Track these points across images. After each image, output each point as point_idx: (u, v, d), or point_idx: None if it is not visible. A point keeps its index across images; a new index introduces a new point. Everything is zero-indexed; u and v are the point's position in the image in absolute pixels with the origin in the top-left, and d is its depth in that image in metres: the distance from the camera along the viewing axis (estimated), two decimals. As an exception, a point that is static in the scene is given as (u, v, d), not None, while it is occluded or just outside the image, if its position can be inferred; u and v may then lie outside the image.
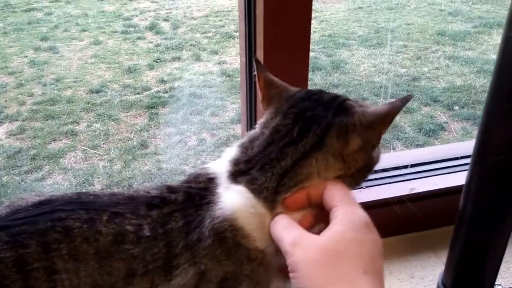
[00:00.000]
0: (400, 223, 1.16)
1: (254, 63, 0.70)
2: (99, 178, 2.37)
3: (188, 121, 2.89)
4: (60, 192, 0.62)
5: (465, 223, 0.85)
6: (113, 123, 2.85)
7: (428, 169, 1.25)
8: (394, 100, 0.60)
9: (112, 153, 2.57)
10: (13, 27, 4.09)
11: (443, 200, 1.17)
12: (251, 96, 1.03)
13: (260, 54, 0.94)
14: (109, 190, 0.63)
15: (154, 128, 2.82)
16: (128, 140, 2.69)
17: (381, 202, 1.08)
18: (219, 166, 0.63)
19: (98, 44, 3.91)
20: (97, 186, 2.31)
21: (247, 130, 1.07)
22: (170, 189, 0.62)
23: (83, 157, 2.53)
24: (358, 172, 0.62)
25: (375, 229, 0.56)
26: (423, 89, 3.32)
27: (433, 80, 3.46)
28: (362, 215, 0.55)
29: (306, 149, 0.59)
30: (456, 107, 3.08)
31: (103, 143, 2.66)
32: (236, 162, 0.62)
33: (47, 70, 3.42)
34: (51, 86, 3.22)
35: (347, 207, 0.55)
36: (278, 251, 0.56)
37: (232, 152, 0.64)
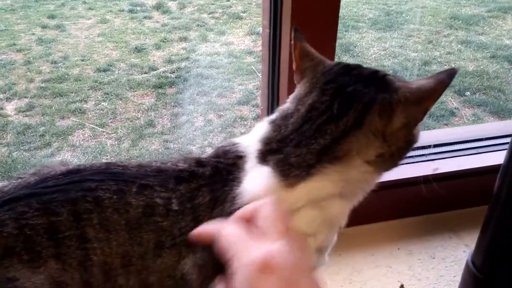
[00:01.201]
0: (422, 203, 1.16)
1: (291, 32, 0.68)
2: (107, 156, 2.38)
3: (195, 102, 2.88)
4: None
5: (499, 203, 0.85)
6: (120, 102, 2.84)
7: (452, 149, 1.25)
8: (435, 73, 0.58)
9: (120, 131, 2.57)
10: (21, 4, 4.06)
11: (466, 181, 1.16)
12: (274, 71, 1.01)
13: (286, 29, 0.91)
14: (136, 161, 0.63)
15: (161, 108, 2.82)
16: (136, 119, 2.69)
17: (403, 181, 1.08)
18: (249, 142, 0.62)
19: (105, 23, 3.89)
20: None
21: (268, 108, 1.06)
22: (199, 162, 0.61)
23: (91, 135, 2.54)
24: (398, 151, 0.61)
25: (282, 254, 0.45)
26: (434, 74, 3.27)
27: (445, 65, 3.42)
28: (256, 256, 0.45)
29: (347, 126, 0.57)
30: (468, 93, 3.05)
31: (111, 122, 2.66)
32: (267, 141, 0.60)
33: (54, 48, 3.41)
34: (59, 64, 3.20)
35: (239, 254, 0.46)
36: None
37: (263, 128, 0.62)
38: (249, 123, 2.68)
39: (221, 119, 2.72)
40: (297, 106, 0.61)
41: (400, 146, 0.61)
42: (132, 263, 0.56)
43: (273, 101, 1.04)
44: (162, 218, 0.57)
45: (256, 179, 0.58)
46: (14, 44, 3.40)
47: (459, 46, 3.70)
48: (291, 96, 0.65)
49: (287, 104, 0.64)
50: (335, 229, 0.62)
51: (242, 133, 2.58)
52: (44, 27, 3.71)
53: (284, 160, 0.57)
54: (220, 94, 2.97)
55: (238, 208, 0.55)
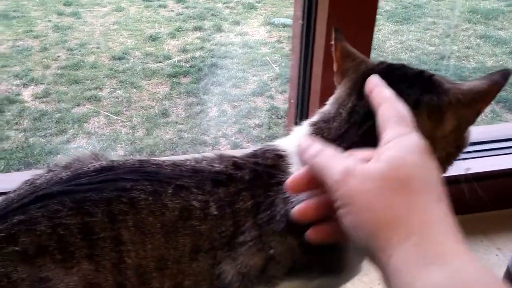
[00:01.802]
0: (452, 204, 1.13)
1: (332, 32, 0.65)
2: (121, 144, 2.39)
3: (209, 92, 2.88)
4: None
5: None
6: (135, 90, 2.85)
7: (485, 148, 1.20)
8: (488, 75, 0.56)
9: (134, 120, 2.58)
10: (37, -10, 4.08)
11: (498, 182, 1.12)
12: (305, 66, 0.98)
13: (322, 20, 0.89)
14: (169, 159, 0.61)
15: (175, 97, 2.82)
16: (150, 108, 2.69)
17: None
18: (290, 144, 0.60)
19: (120, 11, 3.89)
20: (119, 152, 2.32)
21: (298, 102, 1.04)
22: (236, 165, 0.59)
23: (106, 122, 2.54)
24: (448, 156, 0.59)
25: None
26: (452, 69, 3.24)
27: (463, 60, 3.37)
28: (418, 138, 0.45)
29: None
30: (486, 88, 3.00)
31: (126, 110, 2.66)
32: None
33: (70, 35, 3.42)
34: (75, 51, 3.22)
35: (399, 128, 0.46)
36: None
37: (304, 131, 0.61)
38: (263, 114, 2.67)
39: (235, 110, 2.72)
40: (339, 109, 0.59)
41: (450, 152, 0.59)
42: (167, 267, 0.55)
43: (303, 95, 1.02)
44: (200, 222, 0.55)
45: None
46: (31, 31, 3.42)
47: (478, 40, 3.64)
48: (332, 98, 0.63)
49: (327, 106, 0.62)
50: None
51: (256, 125, 2.58)
52: (60, 14, 3.72)
53: None
54: (234, 85, 2.96)
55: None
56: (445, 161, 0.59)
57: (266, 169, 0.58)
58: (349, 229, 0.43)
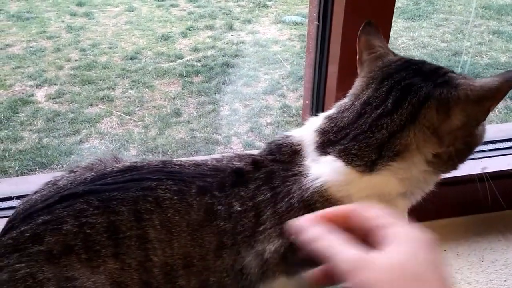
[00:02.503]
0: (470, 203, 1.12)
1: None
2: (134, 144, 2.40)
3: (220, 91, 2.88)
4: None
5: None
6: (147, 90, 2.86)
7: (501, 147, 1.20)
8: (502, 72, 0.55)
9: (147, 119, 2.59)
10: (50, -9, 4.11)
11: None
12: (321, 67, 0.99)
13: (338, 22, 0.89)
14: (191, 159, 0.62)
15: (187, 96, 2.83)
16: (162, 108, 2.71)
17: (450, 180, 1.04)
18: (304, 135, 0.62)
19: (132, 11, 3.91)
20: (132, 152, 2.34)
21: (313, 101, 1.04)
22: (255, 163, 0.61)
23: (118, 122, 2.56)
24: (457, 153, 0.59)
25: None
26: (465, 65, 3.21)
27: (476, 56, 3.34)
28: (423, 234, 0.45)
29: (402, 120, 0.56)
30: (499, 84, 2.97)
31: (138, 110, 2.68)
32: (324, 132, 0.60)
33: (83, 36, 3.45)
34: (88, 52, 3.24)
35: (402, 225, 0.46)
36: None
37: (318, 122, 0.62)
38: (274, 113, 2.67)
39: (247, 109, 2.72)
40: (354, 101, 0.61)
41: (459, 148, 0.59)
42: (193, 264, 0.56)
43: (318, 96, 1.02)
44: (224, 222, 0.56)
45: (324, 165, 0.58)
46: (44, 32, 3.45)
47: (491, 36, 3.60)
48: (350, 92, 0.65)
49: (345, 99, 0.64)
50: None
51: (268, 123, 2.58)
52: (73, 14, 3.76)
53: (346, 150, 0.57)
54: (246, 83, 2.97)
55: (311, 194, 0.55)
56: (454, 158, 0.59)
57: (283, 165, 0.60)
58: None
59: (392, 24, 3.37)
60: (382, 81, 0.60)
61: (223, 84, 2.96)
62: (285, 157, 0.61)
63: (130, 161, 0.64)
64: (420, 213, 1.12)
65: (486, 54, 3.37)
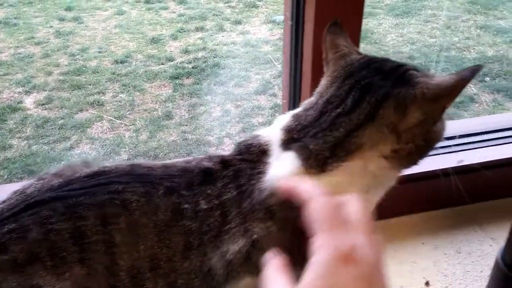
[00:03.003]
0: (446, 196, 1.11)
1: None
2: (125, 148, 2.40)
3: (212, 92, 2.88)
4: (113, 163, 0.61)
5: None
6: (138, 93, 2.86)
7: (477, 140, 1.21)
8: (460, 70, 0.56)
9: (138, 123, 2.59)
10: (38, -3, 4.10)
11: (493, 173, 1.11)
12: (296, 66, 0.99)
13: (309, 21, 0.90)
14: (161, 161, 0.62)
15: (178, 99, 2.82)
16: (153, 111, 2.70)
17: (426, 174, 1.04)
18: (271, 134, 0.62)
19: (122, 14, 3.90)
20: (123, 156, 2.33)
21: (290, 101, 1.04)
22: (223, 162, 0.60)
23: (109, 127, 2.56)
24: (416, 149, 0.59)
25: (370, 246, 0.45)
26: (453, 60, 3.22)
27: (464, 50, 3.36)
28: (343, 243, 0.44)
29: (359, 119, 0.57)
30: (487, 78, 2.99)
31: (129, 113, 2.68)
32: (288, 130, 0.60)
33: (72, 40, 3.44)
34: (77, 56, 3.23)
35: (326, 234, 0.44)
36: None
37: (285, 120, 0.62)
38: (266, 113, 2.67)
39: (239, 109, 2.72)
40: (318, 99, 0.61)
41: (418, 144, 0.59)
42: (160, 266, 0.55)
43: (295, 94, 1.03)
44: (191, 221, 0.56)
45: (281, 164, 0.58)
46: (32, 37, 3.44)
47: (478, 31, 3.62)
48: (316, 91, 0.65)
49: (311, 97, 0.64)
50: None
51: (260, 123, 2.58)
52: (61, 19, 3.74)
53: (304, 148, 0.57)
54: (237, 84, 2.97)
55: (268, 196, 0.55)
56: (414, 154, 0.60)
57: (250, 164, 0.60)
58: None
59: (382, 22, 3.39)
60: (343, 80, 0.61)
61: (214, 85, 2.96)
62: (253, 156, 0.60)
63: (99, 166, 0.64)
64: (400, 208, 1.14)
65: (474, 48, 3.39)
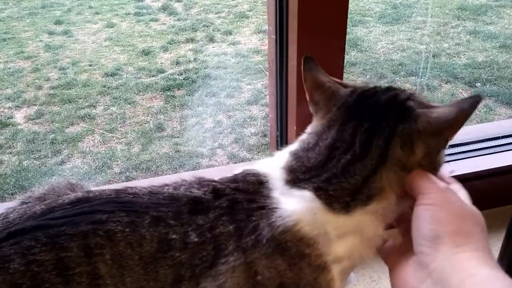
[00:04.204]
0: None
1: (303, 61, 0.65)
2: (117, 161, 2.38)
3: (203, 103, 2.88)
4: (97, 187, 0.60)
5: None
6: (129, 106, 2.84)
7: (468, 149, 1.21)
8: (459, 101, 0.56)
9: (130, 136, 2.58)
10: (28, 11, 4.08)
11: (484, 183, 1.12)
12: (281, 78, 0.99)
13: (293, 31, 0.89)
14: (149, 186, 0.60)
15: (170, 110, 2.81)
16: (145, 123, 2.69)
17: None
18: (270, 170, 0.61)
19: (112, 27, 3.90)
20: (115, 170, 2.31)
21: (277, 115, 1.04)
22: (215, 191, 0.59)
23: (101, 140, 2.54)
24: None
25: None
26: (444, 66, 3.24)
27: (454, 57, 3.38)
28: (458, 200, 0.55)
29: (372, 165, 0.57)
30: (478, 84, 3.01)
31: (120, 126, 2.66)
32: (291, 170, 0.59)
33: (62, 54, 3.42)
34: (67, 70, 3.22)
35: (439, 193, 0.55)
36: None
37: (283, 158, 0.61)
38: (258, 123, 2.67)
39: (231, 120, 2.72)
40: (318, 141, 0.60)
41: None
42: None
43: (281, 107, 1.02)
44: (180, 252, 0.54)
45: (296, 202, 0.56)
46: (22, 52, 3.42)
47: (468, 36, 3.65)
48: (310, 128, 0.63)
49: (306, 136, 0.63)
50: (369, 251, 0.61)
51: (252, 133, 2.58)
52: (51, 33, 3.73)
53: (323, 191, 0.57)
54: (228, 95, 2.96)
55: (283, 232, 0.54)
56: None
57: (247, 195, 0.58)
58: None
59: (372, 29, 3.41)
60: (343, 124, 0.59)
61: (206, 96, 2.96)
62: (250, 186, 0.59)
63: (84, 190, 0.62)
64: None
65: (464, 54, 3.42)
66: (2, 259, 0.52)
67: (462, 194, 0.59)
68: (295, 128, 0.98)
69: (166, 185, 0.61)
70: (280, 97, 1.01)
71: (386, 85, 0.64)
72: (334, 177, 0.57)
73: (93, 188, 0.62)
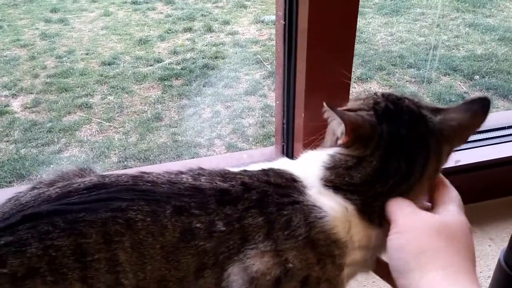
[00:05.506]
0: None
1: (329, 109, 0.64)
2: (115, 150, 2.37)
3: (201, 93, 2.86)
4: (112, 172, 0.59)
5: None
6: (126, 95, 2.83)
7: (475, 139, 1.21)
8: (470, 102, 0.62)
9: (127, 125, 2.56)
10: (23, -1, 4.05)
11: (490, 172, 1.13)
12: (289, 66, 0.98)
13: (303, 19, 0.88)
14: (165, 174, 0.58)
15: (168, 100, 2.80)
16: (143, 113, 2.68)
17: None
18: (304, 174, 0.62)
19: (109, 16, 3.87)
20: (113, 159, 2.30)
21: (284, 103, 1.02)
22: (245, 184, 0.59)
23: (98, 129, 2.53)
24: None
25: None
26: (442, 58, 3.24)
27: (453, 49, 3.38)
28: (423, 219, 0.56)
29: (417, 180, 0.61)
30: (477, 77, 3.01)
31: (118, 116, 2.65)
32: (329, 180, 0.61)
33: (58, 42, 3.40)
34: (64, 58, 3.19)
35: (451, 188, 0.61)
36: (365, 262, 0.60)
37: (319, 171, 0.62)
38: (256, 113, 2.66)
39: (229, 110, 2.71)
40: (361, 163, 0.61)
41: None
42: (169, 287, 0.54)
43: (289, 94, 1.01)
44: (205, 241, 0.54)
45: (337, 208, 0.59)
46: (18, 40, 3.39)
47: (467, 29, 3.65)
48: (342, 150, 0.63)
49: (341, 156, 0.62)
50: (372, 264, 0.64)
51: (250, 124, 2.57)
52: (47, 21, 3.70)
53: (368, 205, 0.60)
54: (226, 85, 2.95)
55: (318, 233, 0.56)
56: None
57: (278, 189, 0.59)
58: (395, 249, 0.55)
59: (371, 21, 3.40)
60: (386, 149, 0.61)
61: (204, 86, 2.94)
62: (282, 180, 0.60)
63: (96, 174, 0.61)
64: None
65: (463, 46, 3.41)
66: (19, 243, 0.52)
67: (451, 196, 0.62)
68: (302, 115, 0.96)
69: (181, 172, 0.60)
70: (287, 84, 1.00)
71: (388, 93, 0.66)
72: (382, 196, 0.60)
73: (105, 173, 0.61)
